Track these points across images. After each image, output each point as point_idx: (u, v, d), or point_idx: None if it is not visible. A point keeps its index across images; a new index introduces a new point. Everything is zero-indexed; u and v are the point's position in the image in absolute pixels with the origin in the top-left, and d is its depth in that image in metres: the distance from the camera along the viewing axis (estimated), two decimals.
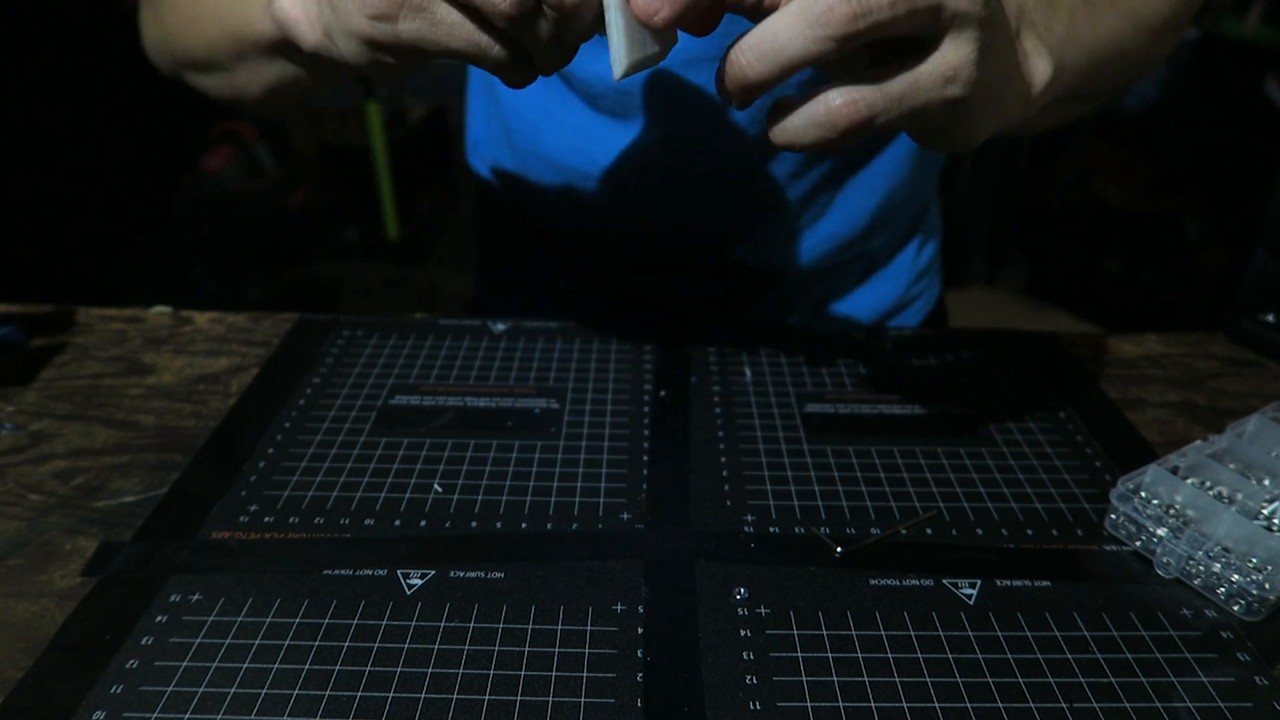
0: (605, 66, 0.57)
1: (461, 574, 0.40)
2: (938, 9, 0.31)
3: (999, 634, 0.37)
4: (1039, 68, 0.39)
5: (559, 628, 0.37)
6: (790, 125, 0.33)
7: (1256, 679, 0.35)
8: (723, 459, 0.48)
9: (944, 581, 0.40)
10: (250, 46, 0.48)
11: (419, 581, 0.39)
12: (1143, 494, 0.43)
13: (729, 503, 0.45)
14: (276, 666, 0.35)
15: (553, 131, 0.63)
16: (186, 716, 0.33)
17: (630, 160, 0.62)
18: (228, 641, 0.36)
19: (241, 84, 0.52)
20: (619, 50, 0.33)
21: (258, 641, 0.36)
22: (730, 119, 0.59)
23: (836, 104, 0.32)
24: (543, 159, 0.65)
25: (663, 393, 0.54)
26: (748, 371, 0.56)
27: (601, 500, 0.45)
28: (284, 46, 0.44)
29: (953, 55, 0.32)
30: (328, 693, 0.34)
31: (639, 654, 0.36)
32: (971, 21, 0.32)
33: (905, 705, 0.34)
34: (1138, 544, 0.42)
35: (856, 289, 0.71)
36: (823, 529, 0.43)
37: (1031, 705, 0.34)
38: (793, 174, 0.62)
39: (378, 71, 0.39)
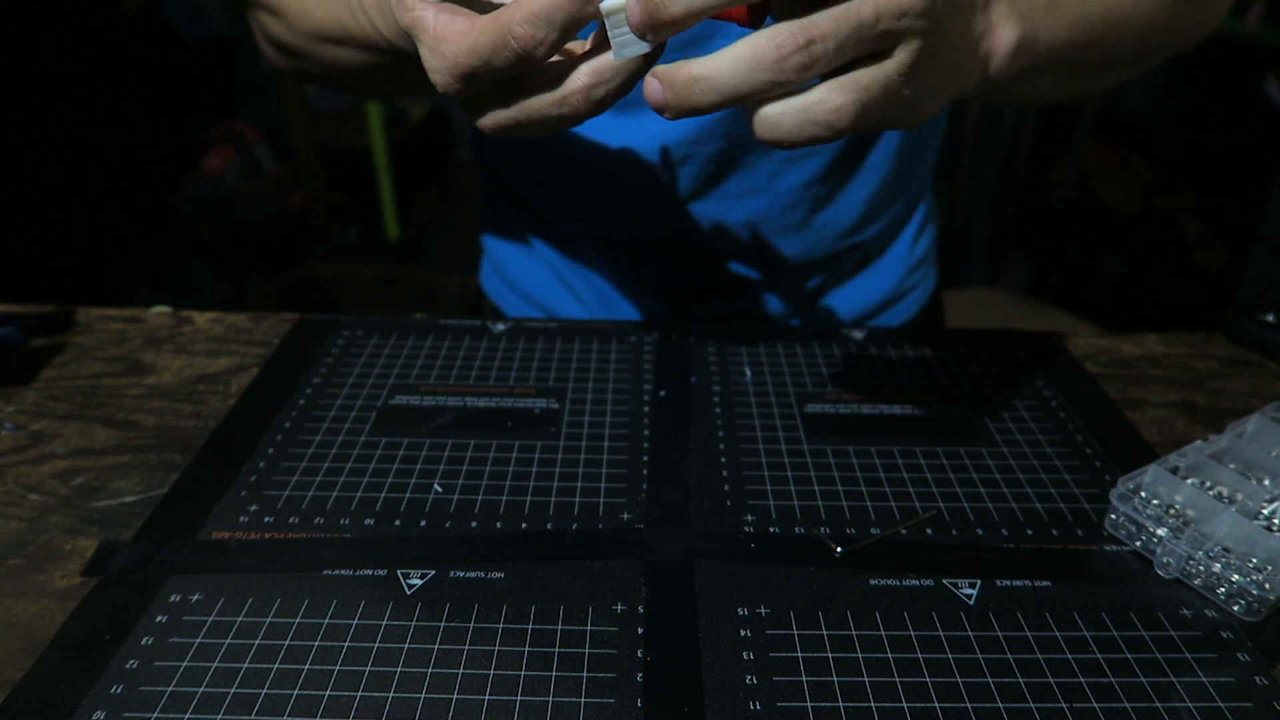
0: None
1: (461, 574, 0.40)
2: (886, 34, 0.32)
3: (999, 634, 0.37)
4: (1003, 37, 0.39)
5: (559, 628, 0.37)
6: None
7: (1256, 679, 0.35)
8: (723, 459, 0.48)
9: (944, 581, 0.40)
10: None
11: (419, 581, 0.39)
12: (1143, 494, 0.43)
13: (729, 503, 0.45)
14: (276, 666, 0.35)
15: None
16: (186, 716, 0.33)
17: (631, 152, 0.62)
18: (228, 641, 0.36)
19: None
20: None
21: (258, 641, 0.36)
22: (730, 111, 0.59)
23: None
24: (546, 150, 0.65)
25: (663, 393, 0.54)
26: (748, 371, 0.56)
27: (601, 500, 0.45)
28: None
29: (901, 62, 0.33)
30: (328, 693, 0.34)
31: (639, 654, 0.36)
32: (917, 34, 0.32)
33: (905, 705, 0.34)
34: (1138, 544, 0.42)
35: (852, 279, 0.71)
36: (823, 529, 0.43)
37: (1031, 705, 0.34)
38: (791, 164, 0.63)
39: None
